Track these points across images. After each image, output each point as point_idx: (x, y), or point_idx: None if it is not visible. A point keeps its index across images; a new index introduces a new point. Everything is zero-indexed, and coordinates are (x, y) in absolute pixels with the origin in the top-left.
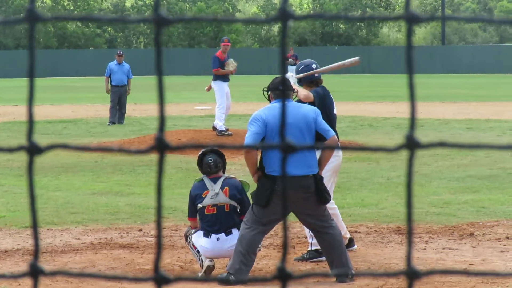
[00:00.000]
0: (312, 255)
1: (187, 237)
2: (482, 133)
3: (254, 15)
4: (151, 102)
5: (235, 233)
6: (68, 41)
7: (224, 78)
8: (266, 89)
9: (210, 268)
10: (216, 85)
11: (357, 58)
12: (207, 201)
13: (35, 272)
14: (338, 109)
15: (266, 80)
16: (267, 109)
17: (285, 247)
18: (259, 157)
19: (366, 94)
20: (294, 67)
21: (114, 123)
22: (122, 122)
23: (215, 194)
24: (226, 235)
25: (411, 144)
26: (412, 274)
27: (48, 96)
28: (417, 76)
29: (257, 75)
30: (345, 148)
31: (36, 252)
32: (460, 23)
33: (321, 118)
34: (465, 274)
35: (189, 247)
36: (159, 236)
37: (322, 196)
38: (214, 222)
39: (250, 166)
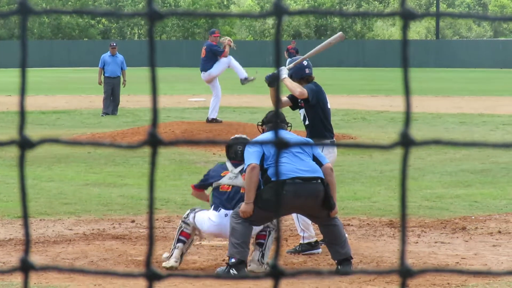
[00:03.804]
0: (305, 248)
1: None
2: (475, 127)
3: (248, 7)
4: (145, 93)
5: None
6: (63, 32)
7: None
8: (260, 123)
9: (171, 269)
10: (213, 75)
11: (340, 33)
12: (224, 180)
13: (25, 268)
14: (332, 102)
15: (261, 72)
16: (259, 136)
17: (277, 245)
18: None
19: (360, 87)
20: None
21: (107, 114)
22: (116, 113)
23: (234, 176)
24: None
25: (406, 142)
26: (405, 273)
27: (42, 87)
28: (411, 70)
29: (252, 67)
30: (340, 145)
31: (26, 248)
32: (454, 17)
33: (316, 147)
34: (458, 273)
35: (179, 225)
36: (150, 234)
37: (329, 203)
38: (227, 199)
39: (252, 188)
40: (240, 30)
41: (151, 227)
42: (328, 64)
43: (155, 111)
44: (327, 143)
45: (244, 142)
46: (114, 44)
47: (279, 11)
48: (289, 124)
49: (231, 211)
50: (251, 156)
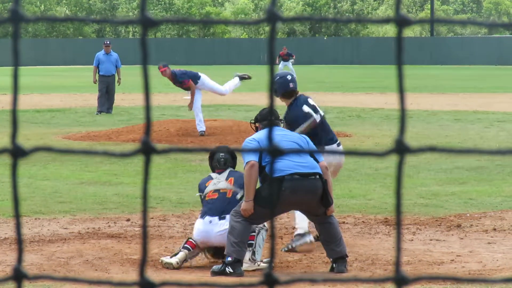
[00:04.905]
0: (297, 239)
1: None
2: (470, 124)
3: (243, 5)
4: (140, 91)
5: (228, 218)
6: (57, 30)
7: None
8: (253, 121)
9: (169, 266)
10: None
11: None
12: (209, 188)
13: (18, 277)
14: (327, 99)
15: (255, 70)
16: (256, 133)
17: (272, 247)
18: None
19: (355, 85)
20: (288, 62)
21: (102, 112)
22: (111, 112)
23: (217, 181)
24: (220, 219)
25: (401, 149)
26: (400, 280)
27: (36, 85)
28: (406, 67)
29: (246, 65)
30: (337, 153)
31: (19, 256)
32: (449, 14)
33: (312, 143)
34: (453, 280)
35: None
36: (144, 244)
37: (327, 200)
38: (213, 206)
39: (251, 186)
40: (234, 27)
41: (144, 238)
42: (323, 62)
43: (148, 119)
44: (330, 147)
45: (229, 151)
46: (108, 42)
47: (272, 18)
48: (283, 121)
49: (215, 217)
50: (250, 153)
